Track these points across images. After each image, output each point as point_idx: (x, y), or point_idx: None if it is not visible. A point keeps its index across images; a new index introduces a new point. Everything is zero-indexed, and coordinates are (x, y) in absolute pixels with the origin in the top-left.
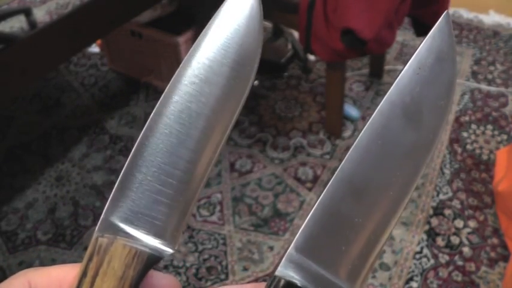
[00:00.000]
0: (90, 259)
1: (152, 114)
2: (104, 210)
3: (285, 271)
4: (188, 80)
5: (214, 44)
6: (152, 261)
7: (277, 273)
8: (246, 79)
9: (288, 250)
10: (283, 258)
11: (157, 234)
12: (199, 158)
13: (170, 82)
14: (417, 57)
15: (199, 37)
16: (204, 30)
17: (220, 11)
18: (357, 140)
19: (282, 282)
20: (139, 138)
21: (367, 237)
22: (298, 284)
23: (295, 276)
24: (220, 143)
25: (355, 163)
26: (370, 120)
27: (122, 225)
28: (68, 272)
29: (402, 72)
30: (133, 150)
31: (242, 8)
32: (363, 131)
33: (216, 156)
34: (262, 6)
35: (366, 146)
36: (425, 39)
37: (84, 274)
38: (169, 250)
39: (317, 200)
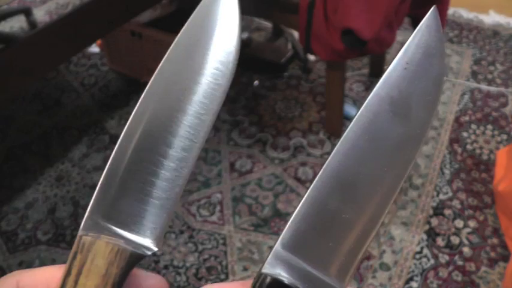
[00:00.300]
0: (74, 257)
1: (133, 113)
2: (88, 209)
3: (272, 268)
4: (168, 81)
5: (190, 44)
6: (135, 258)
7: (263, 270)
8: (224, 79)
9: (275, 247)
10: (270, 255)
11: (140, 233)
12: (183, 156)
13: (149, 83)
14: (405, 52)
15: (176, 39)
16: (181, 31)
17: (196, 11)
18: (344, 135)
19: (268, 279)
20: (121, 137)
21: (356, 233)
22: (285, 281)
23: (282, 274)
24: (204, 139)
25: (342, 158)
26: (357, 115)
27: (105, 224)
28: (55, 272)
29: (390, 67)
30: (115, 148)
31: (218, 7)
32: (350, 126)
33: (197, 155)
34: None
35: (353, 140)
36: (413, 34)
37: (68, 273)
38: (153, 248)
39: (304, 196)
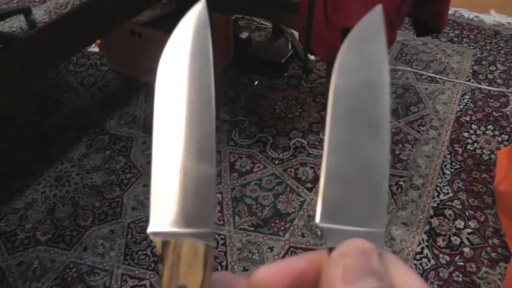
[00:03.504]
0: (162, 262)
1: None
2: (152, 216)
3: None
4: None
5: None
6: (210, 251)
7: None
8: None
9: (318, 223)
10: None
11: (202, 226)
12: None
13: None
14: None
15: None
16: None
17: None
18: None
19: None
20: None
21: (375, 175)
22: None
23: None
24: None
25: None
26: (330, 105)
27: (171, 229)
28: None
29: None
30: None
31: (192, 17)
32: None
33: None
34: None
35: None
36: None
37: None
38: (208, 230)
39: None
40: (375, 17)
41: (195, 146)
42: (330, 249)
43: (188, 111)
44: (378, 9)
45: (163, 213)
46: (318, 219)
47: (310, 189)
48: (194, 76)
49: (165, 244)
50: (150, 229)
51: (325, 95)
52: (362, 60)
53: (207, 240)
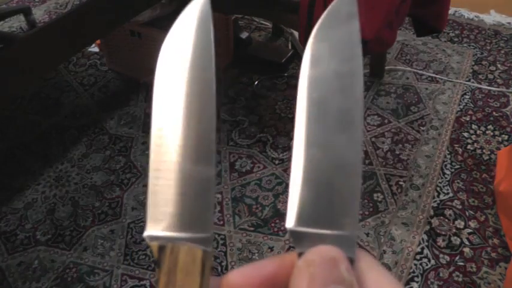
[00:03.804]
0: (159, 267)
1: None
2: (149, 220)
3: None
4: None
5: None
6: (210, 255)
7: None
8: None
9: (289, 228)
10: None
11: (202, 230)
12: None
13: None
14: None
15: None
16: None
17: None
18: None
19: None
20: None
21: (348, 178)
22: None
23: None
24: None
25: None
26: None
27: (170, 232)
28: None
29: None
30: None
31: (193, 12)
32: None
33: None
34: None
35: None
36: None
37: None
38: (207, 234)
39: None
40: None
41: (194, 146)
42: (300, 255)
43: (187, 108)
44: None
45: (160, 217)
46: (286, 222)
47: None
48: (195, 73)
49: (161, 249)
50: (147, 233)
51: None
52: (332, 48)
53: (206, 246)
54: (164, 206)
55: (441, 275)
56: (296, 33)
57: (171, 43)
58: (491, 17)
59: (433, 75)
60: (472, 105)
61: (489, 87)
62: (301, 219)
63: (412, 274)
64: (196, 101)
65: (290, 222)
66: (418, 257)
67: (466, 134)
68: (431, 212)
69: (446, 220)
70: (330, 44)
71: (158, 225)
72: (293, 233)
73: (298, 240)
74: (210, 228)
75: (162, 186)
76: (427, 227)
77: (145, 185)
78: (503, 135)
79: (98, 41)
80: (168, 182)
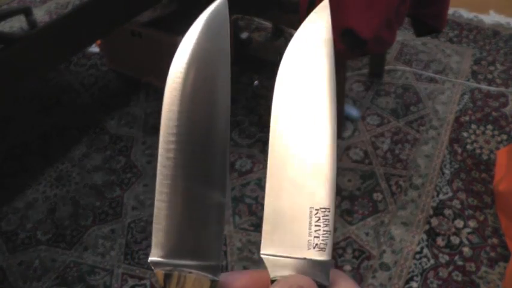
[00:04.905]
0: None
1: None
2: (153, 246)
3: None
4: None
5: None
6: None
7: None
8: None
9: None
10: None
11: (208, 258)
12: (217, 158)
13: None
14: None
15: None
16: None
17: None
18: None
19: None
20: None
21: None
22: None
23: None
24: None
25: None
26: None
27: (174, 261)
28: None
29: None
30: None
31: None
32: None
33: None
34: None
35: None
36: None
37: None
38: (216, 263)
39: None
40: None
41: (205, 169)
42: (272, 281)
43: (200, 125)
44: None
45: (167, 242)
46: (261, 248)
47: None
48: (211, 88)
49: (167, 277)
50: (152, 258)
51: None
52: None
53: (214, 274)
54: (171, 230)
55: (440, 274)
56: None
57: (186, 45)
58: (491, 17)
59: (433, 75)
60: (472, 105)
61: (488, 87)
62: (272, 246)
63: (412, 273)
64: (211, 117)
65: (262, 248)
66: (417, 256)
67: (465, 134)
68: (431, 212)
69: (446, 220)
70: None
71: (164, 250)
72: (264, 259)
73: (271, 266)
74: (219, 257)
75: (169, 209)
76: (427, 227)
77: (146, 185)
78: (503, 135)
79: (99, 41)
80: (176, 205)
